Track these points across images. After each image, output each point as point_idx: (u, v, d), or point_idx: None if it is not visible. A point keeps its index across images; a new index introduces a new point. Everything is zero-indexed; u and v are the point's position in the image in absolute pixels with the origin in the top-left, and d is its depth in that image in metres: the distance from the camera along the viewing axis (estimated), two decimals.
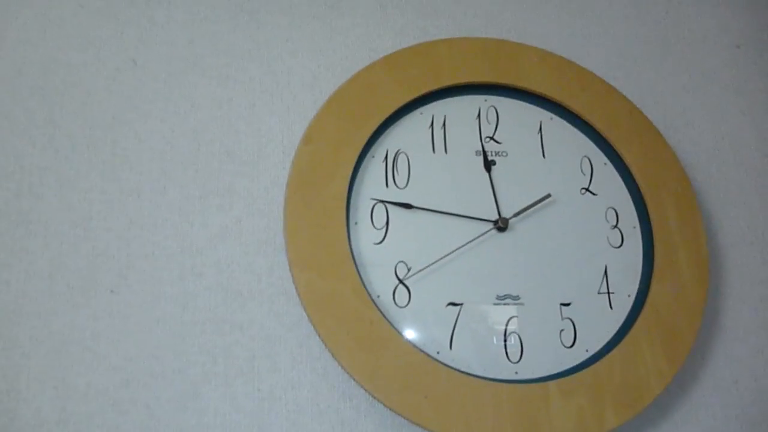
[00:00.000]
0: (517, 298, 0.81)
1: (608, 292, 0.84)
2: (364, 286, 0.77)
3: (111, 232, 0.80)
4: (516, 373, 0.78)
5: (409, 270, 0.80)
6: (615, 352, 0.80)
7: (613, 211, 0.89)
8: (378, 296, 0.78)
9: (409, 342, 0.76)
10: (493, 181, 0.87)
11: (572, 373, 0.79)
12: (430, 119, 0.89)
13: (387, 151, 0.86)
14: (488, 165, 0.87)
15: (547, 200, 0.87)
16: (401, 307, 0.79)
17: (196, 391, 0.75)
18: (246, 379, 0.77)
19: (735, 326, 0.90)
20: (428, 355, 0.76)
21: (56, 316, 0.76)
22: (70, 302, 0.77)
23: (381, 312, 0.77)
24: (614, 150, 0.92)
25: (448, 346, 0.78)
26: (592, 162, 0.91)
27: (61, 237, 0.79)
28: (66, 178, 0.81)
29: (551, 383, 0.77)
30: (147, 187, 0.83)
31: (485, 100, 0.91)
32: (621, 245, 0.88)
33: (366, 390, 0.74)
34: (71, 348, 0.75)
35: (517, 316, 0.80)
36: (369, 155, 0.85)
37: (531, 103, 0.93)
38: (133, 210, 0.81)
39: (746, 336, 0.90)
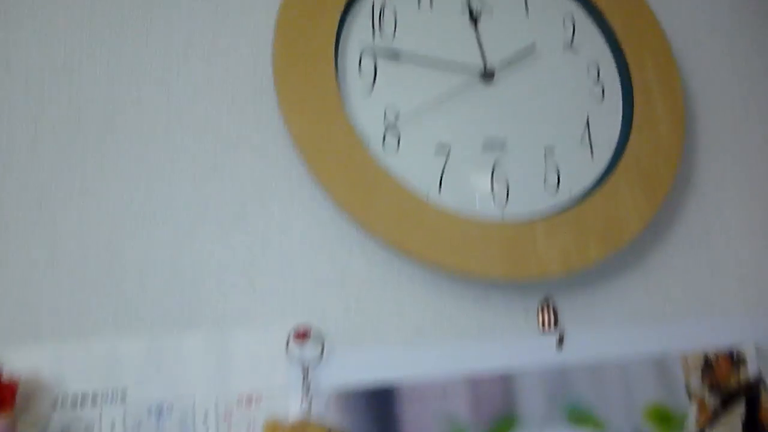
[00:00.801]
0: (503, 143, 0.83)
1: (590, 142, 0.87)
2: (355, 132, 0.78)
3: (94, 80, 0.78)
4: (503, 214, 0.80)
5: (397, 117, 0.81)
6: (597, 194, 0.83)
7: (595, 67, 0.91)
8: (368, 142, 0.79)
9: (399, 183, 0.78)
10: (479, 35, 0.87)
11: (557, 214, 0.81)
12: None
13: (373, 3, 0.85)
14: (474, 19, 0.88)
15: (531, 55, 0.88)
16: (391, 153, 0.79)
17: (190, 234, 0.76)
18: (238, 224, 0.77)
19: (707, 179, 0.94)
20: (418, 197, 0.78)
21: (42, 165, 0.74)
22: (55, 151, 0.75)
23: (372, 156, 0.78)
24: (596, 8, 0.93)
25: (437, 190, 0.80)
26: (575, 19, 0.92)
27: (43, 85, 0.77)
28: (46, 23, 0.79)
29: (537, 223, 0.80)
30: (130, 38, 0.81)
31: None
32: (602, 99, 0.90)
33: (358, 227, 0.75)
34: (60, 196, 0.74)
35: (503, 160, 0.82)
36: (356, 6, 0.84)
37: None
38: (116, 58, 0.79)
39: (716, 190, 0.94)
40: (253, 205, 0.78)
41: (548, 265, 0.78)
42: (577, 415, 0.76)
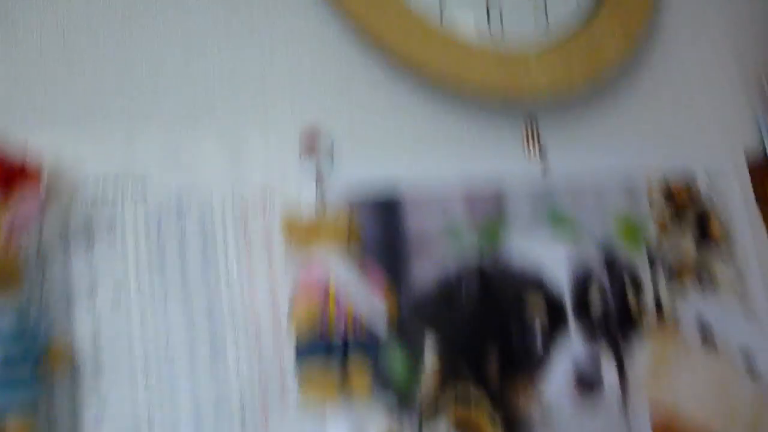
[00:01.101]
0: None
1: None
2: None
3: None
4: (498, 42, 0.86)
5: None
6: (582, 31, 0.90)
7: None
8: None
9: (405, 4, 0.81)
10: None
11: (546, 46, 0.88)
12: None
13: None
14: None
15: None
16: None
17: (202, 39, 0.76)
18: (247, 34, 0.79)
19: (676, 28, 1.03)
20: (422, 20, 0.82)
21: None
22: None
23: None
24: None
25: (439, 17, 0.84)
26: None
27: None
28: None
29: (529, 52, 0.86)
30: None
31: None
32: None
33: (365, 41, 0.80)
34: None
35: None
36: None
37: None
38: None
39: (684, 37, 1.03)
40: (261, 17, 0.80)
41: (538, 84, 0.85)
42: (558, 218, 0.85)
